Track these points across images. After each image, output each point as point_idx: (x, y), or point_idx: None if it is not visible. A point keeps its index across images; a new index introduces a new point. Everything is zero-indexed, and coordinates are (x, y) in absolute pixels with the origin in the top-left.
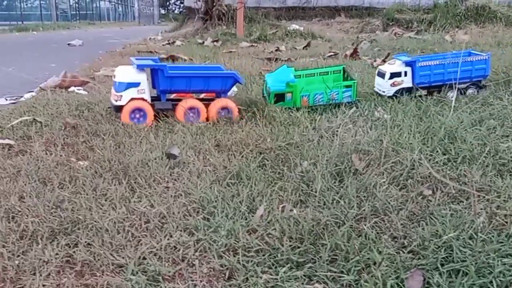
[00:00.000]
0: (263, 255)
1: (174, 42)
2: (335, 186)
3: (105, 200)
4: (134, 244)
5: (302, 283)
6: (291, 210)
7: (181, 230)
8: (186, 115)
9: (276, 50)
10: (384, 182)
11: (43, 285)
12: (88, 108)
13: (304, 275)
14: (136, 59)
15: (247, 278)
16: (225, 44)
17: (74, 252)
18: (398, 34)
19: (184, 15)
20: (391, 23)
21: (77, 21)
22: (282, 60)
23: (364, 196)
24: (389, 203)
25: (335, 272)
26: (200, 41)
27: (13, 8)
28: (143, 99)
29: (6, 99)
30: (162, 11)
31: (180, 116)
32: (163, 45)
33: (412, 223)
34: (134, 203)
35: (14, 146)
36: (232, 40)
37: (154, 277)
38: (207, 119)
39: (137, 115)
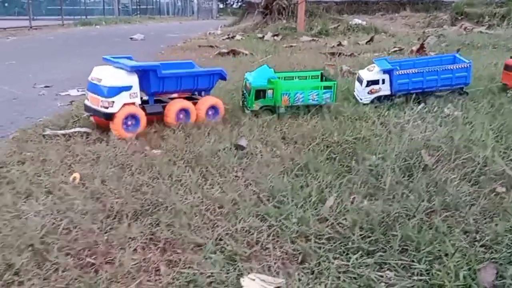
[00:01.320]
0: (334, 243)
1: (234, 36)
2: (404, 180)
3: (181, 186)
4: (210, 226)
5: (373, 270)
6: (361, 202)
7: (253, 216)
8: (177, 117)
9: (338, 45)
10: (455, 178)
11: (132, 259)
12: None
13: (375, 263)
14: (111, 57)
15: (319, 263)
16: (285, 39)
17: (156, 231)
18: (468, 28)
19: (243, 9)
20: (459, 17)
21: (137, 16)
22: (345, 55)
23: (434, 191)
24: (461, 198)
25: (406, 261)
26: (260, 35)
27: (77, 3)
28: (134, 103)
29: (78, 90)
30: (221, 6)
31: (172, 119)
32: (223, 39)
33: (485, 218)
34: (207, 190)
35: (91, 134)
36: (293, 35)
37: (231, 257)
38: (196, 120)
39: (129, 122)
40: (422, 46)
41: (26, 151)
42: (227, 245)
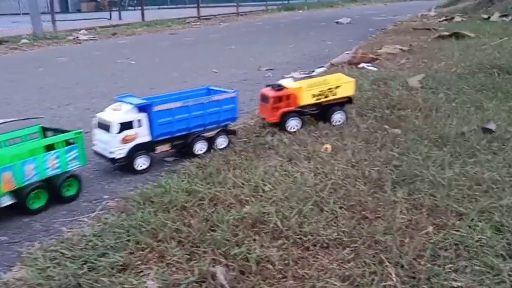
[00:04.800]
0: None
1: (452, 18)
2: None
3: (432, 162)
4: (469, 200)
5: None
6: None
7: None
8: None
9: None
10: None
11: (401, 217)
12: (383, 82)
13: None
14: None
15: None
16: None
17: (417, 198)
18: None
19: None
20: None
21: None
22: None
23: None
24: None
25: None
26: (485, 16)
27: None
28: None
29: (300, 73)
30: None
31: None
32: (439, 21)
33: None
34: (461, 167)
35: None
36: None
37: (497, 228)
38: None
39: None
40: None
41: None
42: (494, 216)
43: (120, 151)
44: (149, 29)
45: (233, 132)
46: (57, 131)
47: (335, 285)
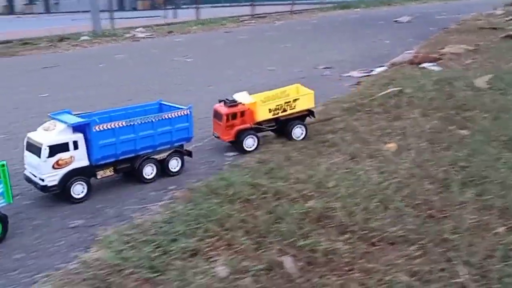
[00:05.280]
0: None
1: None
2: None
3: (501, 164)
4: None
5: None
6: None
7: None
8: None
9: None
10: None
11: (470, 218)
12: (448, 83)
13: None
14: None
15: None
16: None
17: (487, 199)
18: None
19: None
20: None
21: None
22: None
23: None
24: None
25: None
26: None
27: None
28: None
29: (359, 72)
30: None
31: None
32: (506, 20)
33: None
34: None
35: (390, 111)
36: None
37: None
38: None
39: None
40: None
41: (333, 122)
42: None
43: (52, 178)
44: (204, 27)
45: (189, 153)
46: None
47: (402, 279)
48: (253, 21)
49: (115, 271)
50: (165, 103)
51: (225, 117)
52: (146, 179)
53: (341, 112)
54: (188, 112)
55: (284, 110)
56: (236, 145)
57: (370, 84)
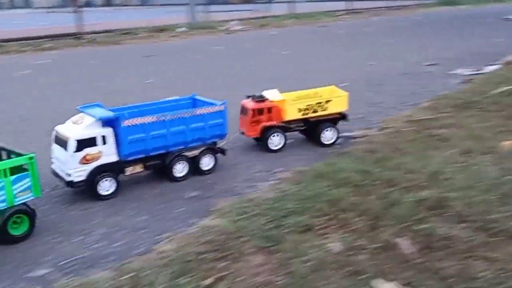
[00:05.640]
0: None
1: None
2: None
3: None
4: None
5: None
6: None
7: None
8: None
9: None
10: None
11: None
12: None
13: None
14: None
15: None
16: None
17: None
18: None
19: None
20: None
21: None
22: None
23: None
24: None
25: None
26: None
27: None
28: None
29: (468, 70)
30: None
31: None
32: None
33: None
34: None
35: (506, 110)
36: None
37: None
38: None
39: None
40: None
41: (443, 118)
42: None
43: (79, 173)
44: (298, 21)
45: (222, 151)
46: (11, 152)
47: None
48: (349, 16)
49: (232, 237)
50: (199, 97)
51: (251, 112)
52: (176, 177)
53: (451, 108)
54: (223, 108)
55: (315, 111)
56: (261, 142)
57: (482, 81)
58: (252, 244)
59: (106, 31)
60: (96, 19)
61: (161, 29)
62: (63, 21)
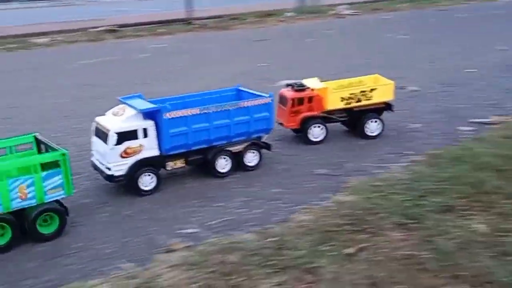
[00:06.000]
0: None
1: None
2: None
3: None
4: None
5: None
6: None
7: None
8: None
9: None
10: None
11: None
12: None
13: None
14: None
15: None
16: None
17: None
18: None
19: None
20: None
21: None
22: None
23: None
24: None
25: None
26: None
27: None
28: None
29: None
30: None
31: None
32: None
33: None
34: None
35: None
36: None
37: None
38: None
39: None
40: None
41: None
42: None
43: (119, 167)
44: (413, 4)
45: (267, 146)
46: (49, 147)
47: None
48: (472, 1)
49: (369, 213)
50: (243, 89)
51: (290, 102)
52: (219, 172)
53: None
54: (269, 101)
55: (359, 100)
56: (301, 134)
57: None
58: (391, 220)
59: (215, 17)
60: (204, 4)
61: (269, 14)
62: (170, 7)
